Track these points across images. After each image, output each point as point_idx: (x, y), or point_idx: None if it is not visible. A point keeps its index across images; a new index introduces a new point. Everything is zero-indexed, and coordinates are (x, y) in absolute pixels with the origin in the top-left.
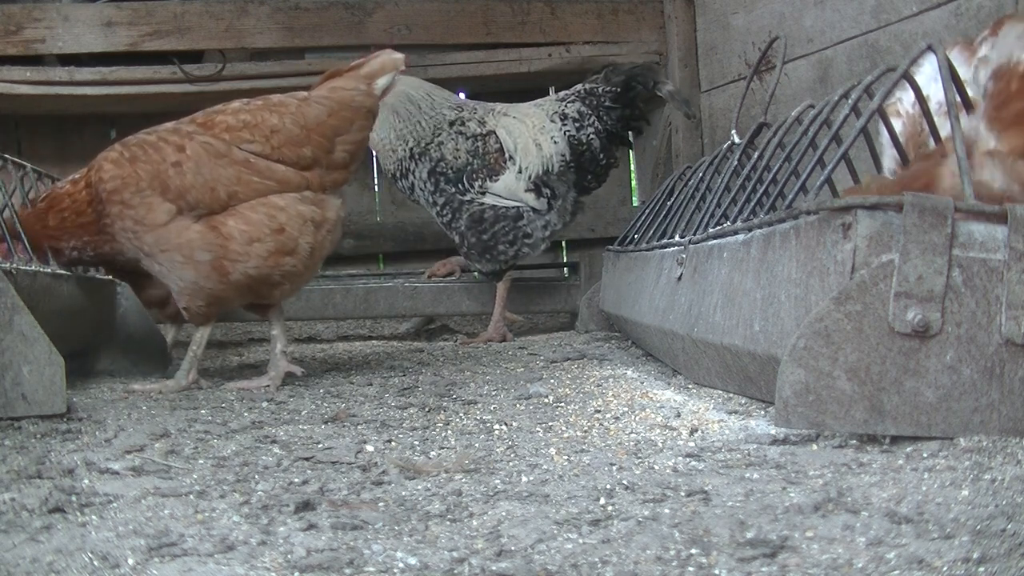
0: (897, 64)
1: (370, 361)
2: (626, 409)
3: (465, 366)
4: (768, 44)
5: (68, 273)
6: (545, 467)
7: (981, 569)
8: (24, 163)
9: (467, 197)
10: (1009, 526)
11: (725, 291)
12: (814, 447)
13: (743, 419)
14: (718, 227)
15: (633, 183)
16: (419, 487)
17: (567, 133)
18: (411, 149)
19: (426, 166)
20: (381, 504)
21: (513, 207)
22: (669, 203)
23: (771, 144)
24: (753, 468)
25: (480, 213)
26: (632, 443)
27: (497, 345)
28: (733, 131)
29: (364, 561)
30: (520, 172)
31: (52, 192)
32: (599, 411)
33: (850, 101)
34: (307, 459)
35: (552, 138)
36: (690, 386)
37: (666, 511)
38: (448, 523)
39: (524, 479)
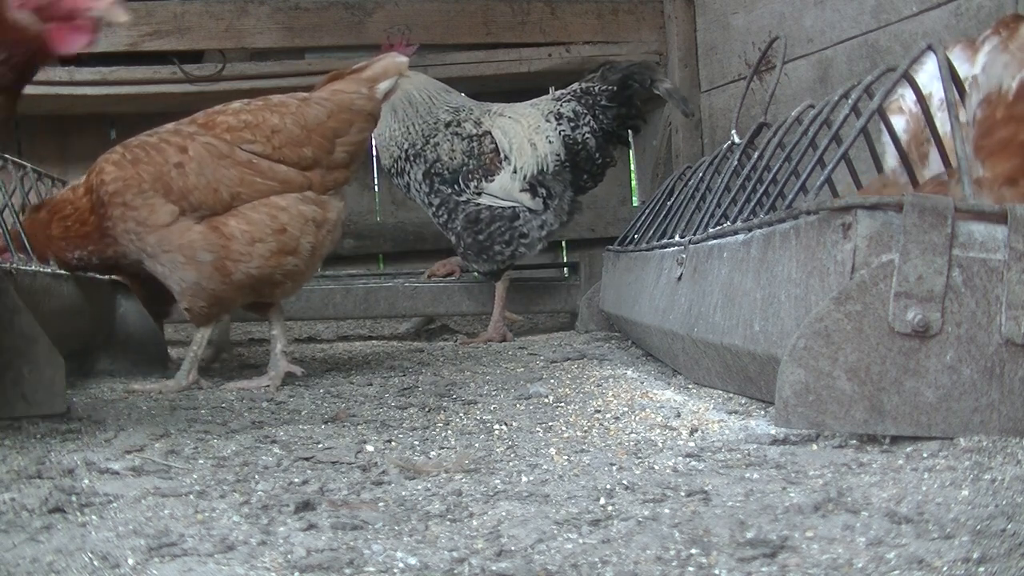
0: (897, 64)
1: (370, 361)
2: (626, 409)
3: (465, 366)
4: (768, 44)
5: (68, 273)
6: (545, 467)
7: (981, 569)
8: (24, 163)
9: (463, 198)
10: (1009, 526)
11: (725, 291)
12: (814, 447)
13: (743, 419)
14: (718, 227)
15: (633, 183)
16: (419, 487)
17: (562, 133)
18: (406, 151)
19: (421, 167)
20: (381, 504)
21: (509, 207)
22: (669, 203)
23: (771, 144)
24: (753, 468)
25: (476, 213)
26: (632, 443)
27: (497, 345)
28: (733, 131)
29: (364, 561)
30: (515, 172)
31: (52, 201)
32: (599, 411)
33: (850, 101)
34: (307, 459)
35: (547, 138)
36: (690, 386)
37: (666, 511)
38: (448, 523)
39: (524, 479)
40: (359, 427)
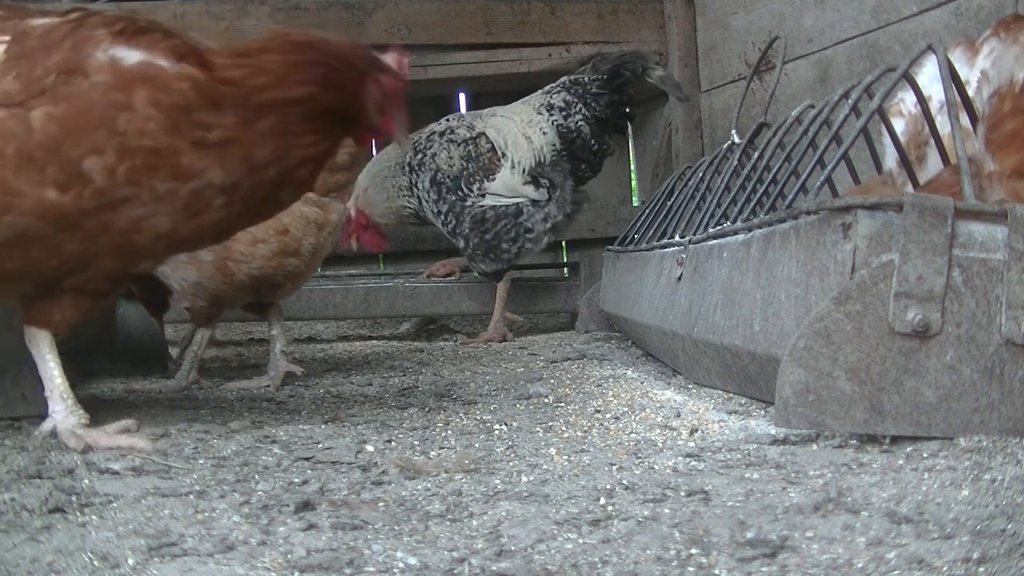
0: (897, 64)
1: (370, 361)
2: (626, 409)
3: (465, 366)
4: (768, 44)
5: None
6: (545, 467)
7: (981, 569)
8: None
9: (468, 202)
10: (1009, 526)
11: (725, 291)
12: (814, 447)
13: (743, 419)
14: (718, 227)
15: (633, 183)
16: (419, 487)
17: (555, 123)
18: (406, 164)
19: (427, 175)
20: (381, 504)
21: (512, 205)
22: (669, 203)
23: (771, 144)
24: (753, 468)
25: (481, 214)
26: (632, 443)
27: (497, 345)
28: (733, 131)
29: (364, 561)
30: (514, 167)
31: None
32: (599, 411)
33: (850, 101)
34: (307, 459)
35: (541, 129)
36: (690, 386)
37: (666, 511)
38: (448, 523)
39: (524, 479)
40: (359, 427)
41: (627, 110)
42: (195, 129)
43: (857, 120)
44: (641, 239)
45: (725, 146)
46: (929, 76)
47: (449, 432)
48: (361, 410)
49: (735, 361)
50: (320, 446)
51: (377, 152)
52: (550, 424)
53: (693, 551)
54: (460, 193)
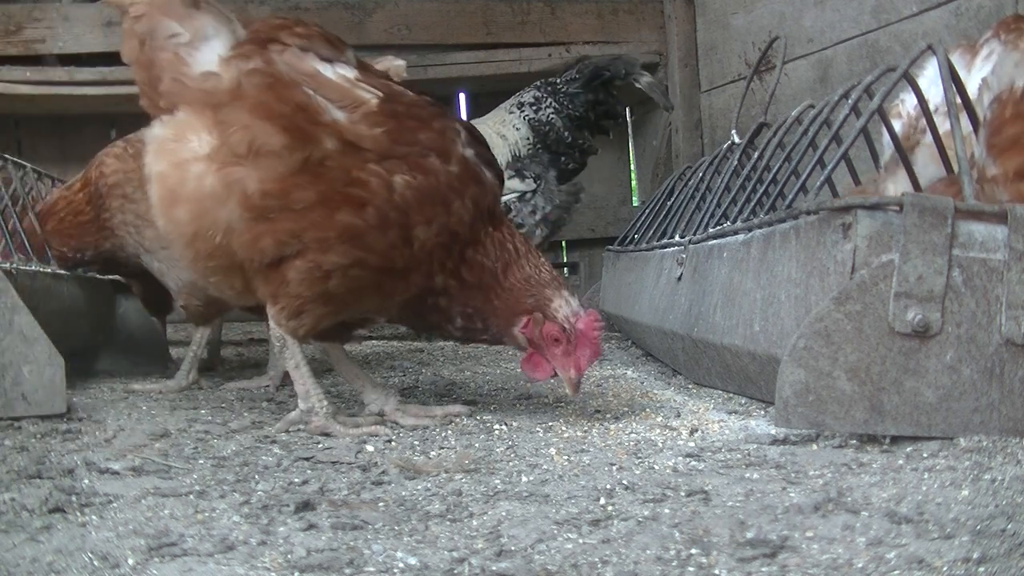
0: (897, 64)
1: (370, 361)
2: (626, 409)
3: (465, 366)
4: (768, 44)
5: (68, 273)
6: (545, 467)
7: (981, 569)
8: (24, 163)
9: None
10: (1009, 526)
11: (725, 291)
12: (814, 447)
13: (743, 419)
14: (718, 227)
15: (633, 183)
16: (419, 487)
17: (526, 117)
18: None
19: None
20: (381, 504)
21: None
22: (669, 203)
23: (771, 144)
24: (753, 468)
25: None
26: (632, 443)
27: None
28: (733, 131)
29: (364, 561)
30: None
31: (46, 201)
32: (599, 411)
33: (850, 101)
34: (307, 459)
35: (514, 126)
36: (690, 386)
37: (666, 511)
38: (448, 523)
39: (524, 479)
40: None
41: (606, 112)
42: (476, 234)
43: (857, 120)
44: (641, 239)
45: (725, 146)
46: (928, 80)
47: (449, 432)
48: (361, 410)
49: (735, 361)
50: (320, 446)
51: None
52: (550, 424)
53: (693, 551)
54: None
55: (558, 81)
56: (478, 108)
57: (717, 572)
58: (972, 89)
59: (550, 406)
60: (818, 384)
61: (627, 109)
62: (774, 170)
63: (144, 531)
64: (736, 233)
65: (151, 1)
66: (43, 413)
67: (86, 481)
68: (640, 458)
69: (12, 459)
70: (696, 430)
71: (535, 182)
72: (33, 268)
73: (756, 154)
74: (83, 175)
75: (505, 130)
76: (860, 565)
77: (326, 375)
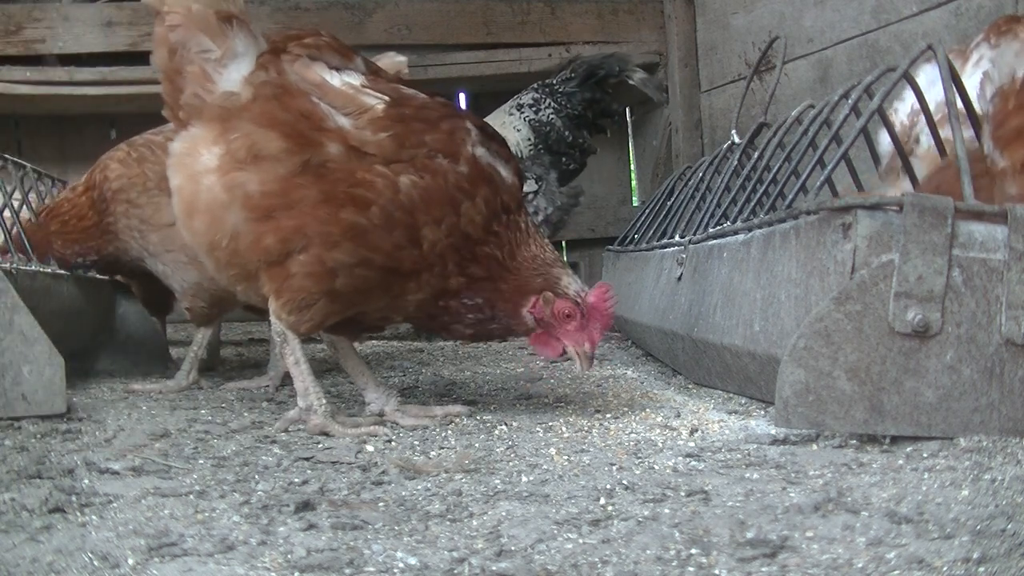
0: (897, 64)
1: (370, 361)
2: (626, 409)
3: (465, 366)
4: (768, 44)
5: (68, 273)
6: (545, 467)
7: (981, 569)
8: (24, 163)
9: None
10: (1009, 526)
11: (725, 291)
12: (814, 447)
13: (743, 419)
14: (718, 227)
15: (633, 183)
16: (419, 487)
17: (527, 118)
18: None
19: None
20: (381, 504)
21: None
22: (669, 203)
23: (771, 144)
24: (753, 468)
25: None
26: (632, 443)
27: (497, 345)
28: (733, 131)
29: (364, 561)
30: None
31: (51, 204)
32: (599, 411)
33: (850, 101)
34: (307, 459)
35: (515, 127)
36: (690, 386)
37: (666, 511)
38: (448, 523)
39: (524, 479)
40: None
41: (603, 111)
42: (489, 233)
43: (857, 120)
44: (641, 239)
45: (725, 146)
46: (927, 81)
47: (449, 432)
48: (361, 410)
49: (735, 361)
50: (320, 446)
51: None
52: (550, 424)
53: (693, 551)
54: None
55: (554, 81)
56: (478, 108)
57: (717, 572)
58: (974, 93)
59: (550, 406)
60: (818, 384)
61: (627, 109)
62: (774, 170)
63: (144, 531)
64: (736, 233)
65: (187, 13)
66: (43, 413)
67: (86, 481)
68: (640, 458)
69: (12, 459)
70: (696, 430)
71: (537, 183)
72: (33, 268)
73: (756, 154)
74: (87, 177)
75: (506, 132)
76: (860, 565)
77: (326, 375)
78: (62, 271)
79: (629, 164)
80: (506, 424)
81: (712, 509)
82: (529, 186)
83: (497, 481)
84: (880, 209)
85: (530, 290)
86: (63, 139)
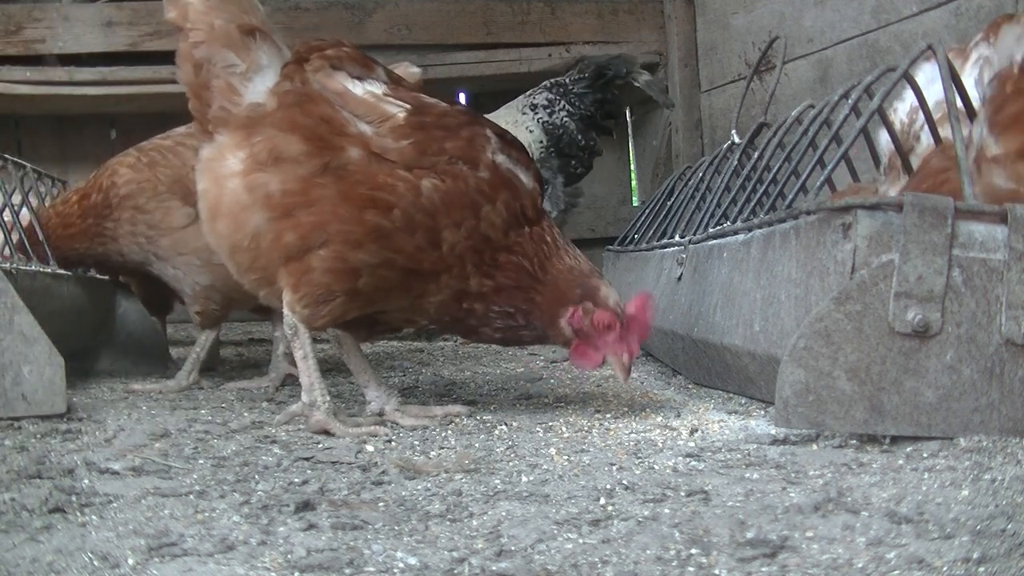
0: (897, 64)
1: (370, 361)
2: (626, 409)
3: (465, 366)
4: (768, 44)
5: (68, 273)
6: (545, 467)
7: (981, 569)
8: (24, 163)
9: None
10: (1009, 526)
11: (725, 291)
12: (814, 447)
13: (743, 419)
14: (718, 227)
15: (633, 183)
16: (419, 487)
17: (540, 120)
18: None
19: None
20: (381, 504)
21: None
22: (669, 203)
23: (771, 144)
24: (753, 468)
25: None
26: (632, 443)
27: (497, 345)
28: (733, 131)
29: (364, 561)
30: None
31: (47, 207)
32: (599, 411)
33: (850, 101)
34: (307, 459)
35: (527, 128)
36: (690, 386)
37: (666, 511)
38: (448, 523)
39: (524, 479)
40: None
41: (610, 112)
42: (507, 237)
43: (857, 120)
44: (641, 239)
45: (725, 146)
46: (922, 83)
47: (449, 432)
48: (361, 410)
49: (735, 361)
50: (320, 446)
51: None
52: (550, 424)
53: (693, 551)
54: None
55: (567, 81)
56: (478, 108)
57: (717, 572)
58: (971, 85)
59: (550, 406)
60: (818, 384)
61: (627, 109)
62: (774, 170)
63: (144, 531)
64: (736, 233)
65: (211, 29)
66: (43, 413)
67: (86, 481)
68: (640, 458)
69: (12, 459)
70: (696, 430)
71: (543, 187)
72: (33, 268)
73: (756, 154)
74: (94, 181)
75: (518, 132)
76: (860, 565)
77: (326, 375)
78: (62, 271)
79: (629, 164)
80: (506, 424)
81: (712, 509)
82: None
83: (497, 481)
84: (880, 209)
85: (568, 301)
86: (63, 139)
